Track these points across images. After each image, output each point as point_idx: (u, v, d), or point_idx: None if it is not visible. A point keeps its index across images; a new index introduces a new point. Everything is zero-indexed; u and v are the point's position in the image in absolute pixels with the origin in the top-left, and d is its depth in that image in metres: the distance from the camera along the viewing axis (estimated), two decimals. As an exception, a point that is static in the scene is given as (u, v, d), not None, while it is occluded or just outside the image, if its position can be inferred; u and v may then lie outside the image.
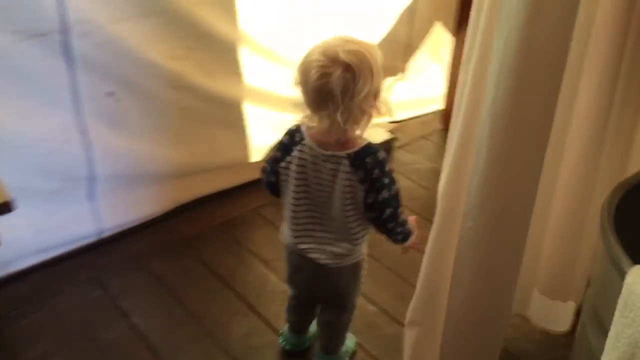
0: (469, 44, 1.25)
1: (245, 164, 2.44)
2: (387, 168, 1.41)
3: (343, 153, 1.40)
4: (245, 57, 2.18)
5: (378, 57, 1.34)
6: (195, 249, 2.22)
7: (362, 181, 1.39)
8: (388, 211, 1.41)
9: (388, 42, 2.56)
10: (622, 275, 1.00)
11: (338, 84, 1.28)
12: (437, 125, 2.99)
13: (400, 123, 2.96)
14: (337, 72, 1.28)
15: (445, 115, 2.84)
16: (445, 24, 2.80)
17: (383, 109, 1.39)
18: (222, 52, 2.12)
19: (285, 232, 1.57)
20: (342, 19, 2.39)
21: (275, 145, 1.53)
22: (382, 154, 1.41)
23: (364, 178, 1.39)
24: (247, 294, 2.02)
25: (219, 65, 2.13)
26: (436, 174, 1.61)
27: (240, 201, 2.47)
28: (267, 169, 1.55)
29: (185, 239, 2.26)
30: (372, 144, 1.42)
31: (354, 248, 1.51)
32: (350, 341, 1.77)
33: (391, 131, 2.86)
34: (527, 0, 1.03)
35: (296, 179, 1.46)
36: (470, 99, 1.22)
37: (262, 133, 2.41)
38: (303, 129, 1.45)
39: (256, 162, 2.46)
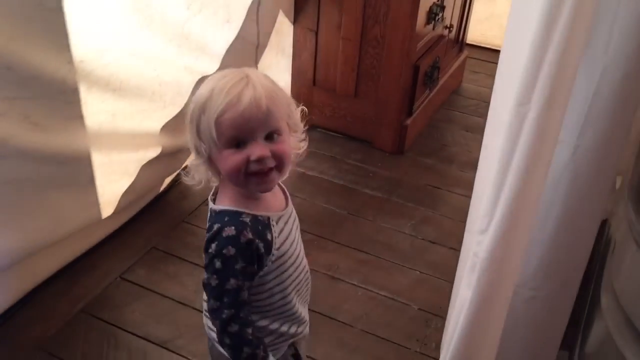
0: (528, 73, 0.88)
1: (97, 222, 1.92)
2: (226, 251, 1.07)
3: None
4: (84, 95, 1.64)
5: None
6: (61, 355, 1.68)
7: None
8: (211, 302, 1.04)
9: (240, 46, 2.19)
10: None
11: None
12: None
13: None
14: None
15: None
16: (286, 14, 2.50)
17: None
18: (53, 95, 1.56)
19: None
20: (188, 29, 1.96)
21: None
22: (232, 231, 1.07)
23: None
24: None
25: (52, 113, 1.58)
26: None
27: (99, 269, 1.96)
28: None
29: (39, 343, 1.70)
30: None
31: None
32: None
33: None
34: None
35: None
36: (530, 150, 0.91)
37: (111, 181, 1.91)
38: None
39: (109, 217, 1.96)
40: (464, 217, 1.40)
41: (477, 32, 3.36)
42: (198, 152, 1.01)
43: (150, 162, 2.05)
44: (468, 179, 2.39)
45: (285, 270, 1.08)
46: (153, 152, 2.05)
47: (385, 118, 2.59)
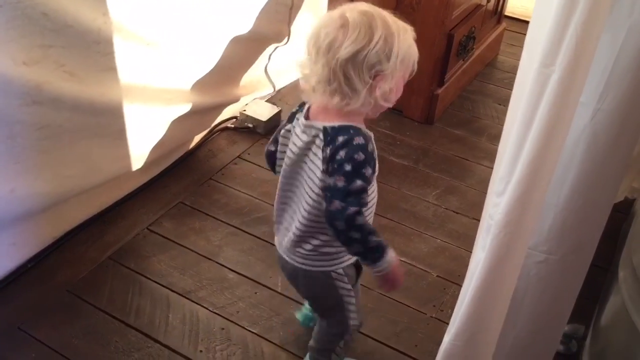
0: (553, 34, 0.87)
1: (127, 174, 1.98)
2: (357, 156, 1.13)
3: (320, 124, 1.16)
4: (118, 47, 1.68)
5: (396, 28, 1.16)
6: (88, 298, 1.76)
7: (324, 160, 1.15)
8: (336, 203, 1.12)
9: (273, 6, 2.19)
10: None
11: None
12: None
13: (281, 91, 2.64)
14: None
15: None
16: (322, -25, 2.49)
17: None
18: (88, 46, 1.60)
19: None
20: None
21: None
22: (361, 140, 1.14)
23: (327, 157, 1.15)
24: (181, 346, 1.65)
25: (86, 63, 1.62)
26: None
27: (127, 220, 2.02)
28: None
29: (68, 286, 1.78)
30: (356, 127, 1.16)
31: (317, 250, 1.26)
32: None
33: (275, 103, 2.55)
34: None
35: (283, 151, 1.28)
36: (551, 113, 0.90)
37: (141, 135, 1.96)
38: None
39: (139, 170, 2.02)
40: (490, 189, 1.40)
41: (517, 4, 3.28)
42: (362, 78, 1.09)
43: (180, 119, 2.09)
44: (496, 152, 2.38)
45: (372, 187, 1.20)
46: (183, 109, 2.09)
47: (415, 87, 2.57)
